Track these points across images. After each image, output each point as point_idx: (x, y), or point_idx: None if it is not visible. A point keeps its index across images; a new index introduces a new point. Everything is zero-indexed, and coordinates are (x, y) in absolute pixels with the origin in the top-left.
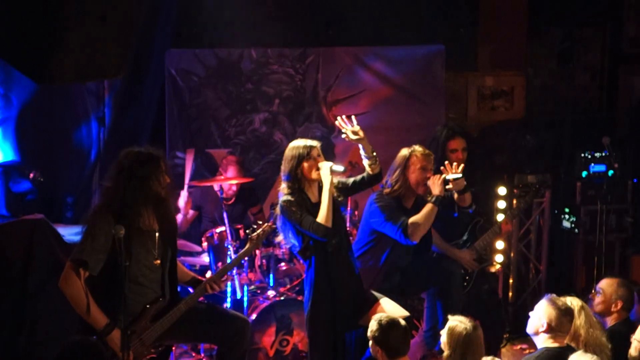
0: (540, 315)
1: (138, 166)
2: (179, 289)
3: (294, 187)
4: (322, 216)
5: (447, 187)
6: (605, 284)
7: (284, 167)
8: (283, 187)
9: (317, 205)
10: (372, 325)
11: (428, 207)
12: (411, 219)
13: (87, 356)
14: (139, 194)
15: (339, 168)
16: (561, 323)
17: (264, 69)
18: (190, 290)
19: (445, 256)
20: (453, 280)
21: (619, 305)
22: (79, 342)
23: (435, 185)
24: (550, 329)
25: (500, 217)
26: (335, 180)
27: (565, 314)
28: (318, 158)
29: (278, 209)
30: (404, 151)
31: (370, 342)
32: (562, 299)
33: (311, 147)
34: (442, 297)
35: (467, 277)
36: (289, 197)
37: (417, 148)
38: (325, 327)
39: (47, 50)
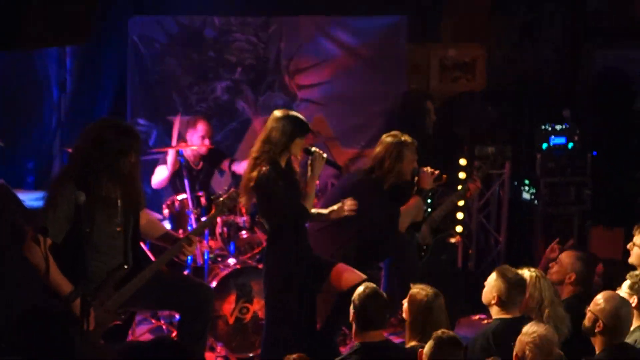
0: (491, 287)
1: (115, 138)
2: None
3: (274, 155)
4: (310, 203)
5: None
6: (565, 255)
7: (275, 136)
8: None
9: (291, 176)
10: (356, 292)
11: (415, 199)
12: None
13: (49, 322)
14: (108, 164)
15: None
16: (510, 295)
17: (226, 37)
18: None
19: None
20: (408, 249)
21: (572, 277)
22: (41, 308)
23: (426, 179)
24: (500, 301)
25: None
26: None
27: (516, 285)
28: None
29: (257, 179)
30: (392, 139)
31: (351, 307)
32: (515, 270)
33: (308, 127)
34: (398, 266)
35: (424, 247)
36: (270, 170)
37: (408, 139)
38: (294, 295)
39: (10, 16)
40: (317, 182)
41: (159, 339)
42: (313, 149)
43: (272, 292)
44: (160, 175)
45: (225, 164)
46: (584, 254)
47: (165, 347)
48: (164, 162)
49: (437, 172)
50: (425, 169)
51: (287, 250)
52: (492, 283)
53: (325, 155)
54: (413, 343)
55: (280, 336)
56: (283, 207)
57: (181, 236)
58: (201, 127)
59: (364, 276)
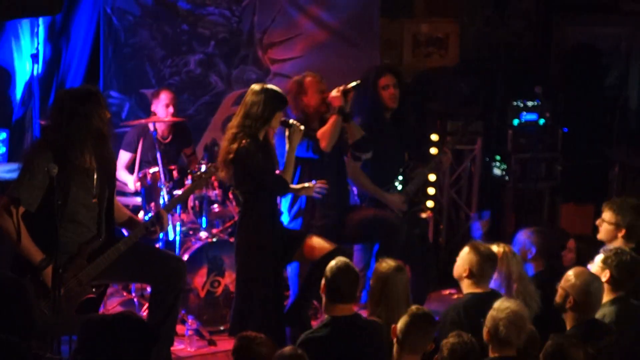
0: (463, 260)
1: (78, 104)
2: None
3: (254, 129)
4: (289, 175)
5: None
6: (519, 235)
7: (254, 109)
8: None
9: (263, 147)
10: (328, 265)
11: (332, 118)
12: (319, 131)
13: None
14: (80, 131)
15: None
16: (482, 269)
17: (200, 10)
18: (124, 232)
19: (378, 202)
20: (395, 236)
21: (533, 251)
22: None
23: (335, 98)
24: (472, 275)
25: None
26: None
27: (487, 259)
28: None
29: (236, 151)
30: (295, 78)
31: (322, 280)
32: (487, 245)
33: (286, 100)
34: (380, 247)
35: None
36: (249, 143)
37: (307, 73)
38: (269, 271)
39: None
40: None
41: (123, 314)
42: (291, 121)
43: (244, 264)
44: (125, 157)
45: (187, 150)
46: (540, 227)
47: (130, 322)
48: (126, 147)
49: (344, 86)
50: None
51: (260, 221)
52: (464, 257)
53: (302, 127)
54: (373, 317)
55: (250, 309)
56: (261, 179)
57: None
58: (164, 96)
59: (335, 245)
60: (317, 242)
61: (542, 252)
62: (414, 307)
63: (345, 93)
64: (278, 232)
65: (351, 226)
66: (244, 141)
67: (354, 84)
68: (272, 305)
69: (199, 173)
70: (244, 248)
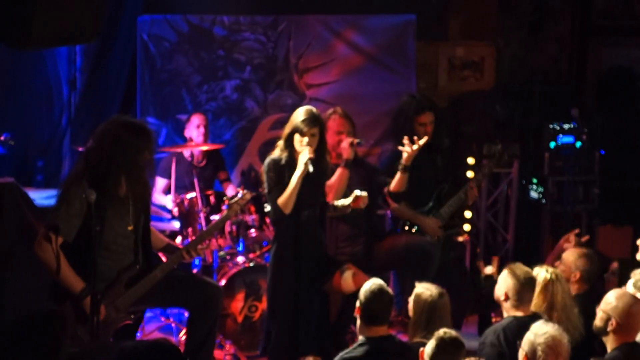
0: (501, 284)
1: (132, 136)
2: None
3: (287, 147)
4: (283, 199)
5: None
6: (568, 254)
7: (285, 128)
8: (279, 143)
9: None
10: (362, 287)
11: (339, 172)
12: (327, 183)
13: (42, 326)
14: (123, 163)
15: (311, 168)
16: (520, 293)
17: (235, 36)
18: (162, 257)
19: (412, 226)
20: (429, 260)
21: (577, 275)
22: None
23: (344, 148)
24: (509, 298)
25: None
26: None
27: (525, 283)
28: (311, 138)
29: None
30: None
31: (357, 303)
32: (525, 268)
33: (307, 126)
34: (413, 271)
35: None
36: (275, 157)
37: (339, 110)
38: (286, 294)
39: (19, 14)
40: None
41: (157, 342)
42: (301, 148)
43: (268, 287)
44: (161, 183)
45: (221, 174)
46: (588, 251)
47: (165, 350)
48: (162, 173)
49: (356, 140)
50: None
51: (280, 249)
52: (502, 280)
53: (308, 157)
54: (417, 339)
55: (274, 332)
56: (268, 198)
57: (180, 246)
58: (195, 119)
59: (367, 279)
60: (350, 274)
61: (585, 277)
62: (441, 331)
63: (352, 145)
64: (308, 258)
65: (382, 255)
66: (270, 157)
67: (359, 140)
68: (288, 331)
69: (234, 199)
70: (268, 272)
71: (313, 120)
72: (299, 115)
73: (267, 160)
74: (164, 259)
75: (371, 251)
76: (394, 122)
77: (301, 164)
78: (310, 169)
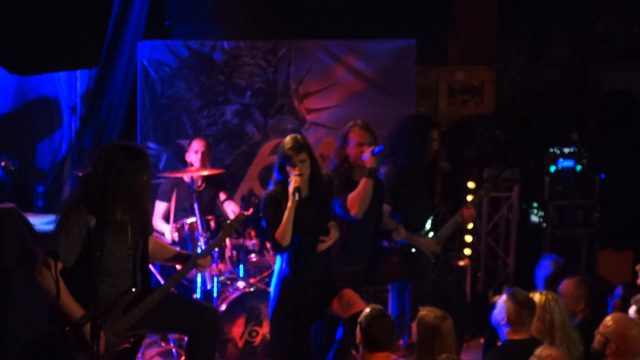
0: (501, 308)
1: (128, 160)
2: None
3: (281, 180)
4: (279, 232)
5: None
6: (564, 286)
7: (276, 159)
8: (274, 176)
9: (301, 200)
10: (362, 313)
11: (363, 181)
12: (349, 195)
13: (54, 347)
14: (122, 187)
15: (297, 197)
16: (520, 317)
17: (236, 61)
18: (161, 280)
19: (410, 247)
20: (423, 276)
21: (582, 304)
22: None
23: (368, 160)
24: (510, 322)
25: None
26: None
27: (525, 307)
28: (300, 164)
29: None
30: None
31: (357, 328)
32: (525, 292)
33: (294, 153)
34: (411, 291)
35: (432, 262)
36: (271, 192)
37: (359, 122)
38: (288, 320)
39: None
40: None
41: None
42: (292, 179)
43: (271, 313)
44: (161, 208)
45: (221, 196)
46: (581, 277)
47: None
48: (161, 197)
49: (371, 148)
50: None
51: (279, 280)
52: (501, 304)
53: (296, 188)
54: None
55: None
56: (269, 235)
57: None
58: (194, 143)
59: (363, 305)
60: (347, 300)
61: (588, 302)
62: (443, 356)
63: (374, 154)
64: (307, 287)
65: (380, 270)
66: (266, 192)
67: (380, 147)
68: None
69: (228, 222)
70: (270, 298)
71: (298, 146)
72: (285, 145)
73: (264, 196)
74: (162, 281)
75: (374, 269)
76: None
77: (290, 195)
78: (297, 198)
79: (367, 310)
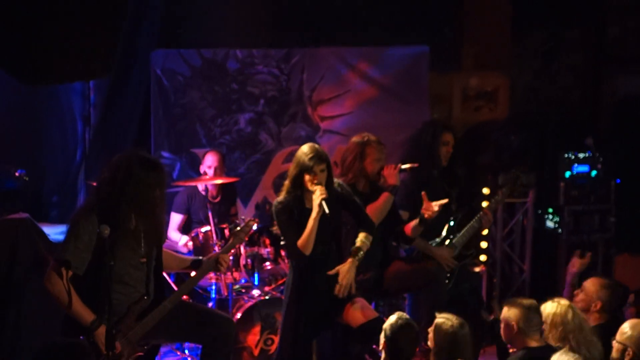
0: (507, 320)
1: (144, 172)
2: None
3: (294, 189)
4: (302, 241)
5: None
6: (589, 283)
7: (290, 168)
8: (285, 184)
9: (310, 211)
10: (388, 321)
11: (385, 196)
12: (370, 207)
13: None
14: (134, 198)
15: (327, 209)
16: (529, 320)
17: (249, 69)
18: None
19: (426, 256)
20: (436, 284)
21: (598, 305)
22: (60, 342)
23: (391, 175)
24: (520, 330)
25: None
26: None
27: (530, 309)
28: (320, 174)
29: (273, 207)
30: (356, 139)
31: (382, 336)
32: (525, 299)
33: (316, 163)
34: (425, 297)
35: (448, 275)
36: (283, 200)
37: (371, 137)
38: (297, 328)
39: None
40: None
41: None
42: (315, 188)
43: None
44: (176, 219)
45: (232, 210)
46: (609, 281)
47: None
48: (177, 209)
49: (400, 166)
50: (388, 165)
51: (290, 290)
52: (507, 315)
53: (322, 196)
54: None
55: None
56: (286, 242)
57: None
58: (209, 158)
59: (375, 314)
60: (357, 309)
61: (606, 307)
62: None
63: (400, 172)
64: (321, 294)
65: (390, 279)
66: (276, 201)
67: (409, 165)
68: None
69: (238, 228)
70: (283, 305)
71: (320, 156)
72: (305, 153)
73: (275, 204)
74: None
75: (382, 279)
76: (415, 143)
77: (316, 206)
78: (326, 209)
79: (393, 318)
